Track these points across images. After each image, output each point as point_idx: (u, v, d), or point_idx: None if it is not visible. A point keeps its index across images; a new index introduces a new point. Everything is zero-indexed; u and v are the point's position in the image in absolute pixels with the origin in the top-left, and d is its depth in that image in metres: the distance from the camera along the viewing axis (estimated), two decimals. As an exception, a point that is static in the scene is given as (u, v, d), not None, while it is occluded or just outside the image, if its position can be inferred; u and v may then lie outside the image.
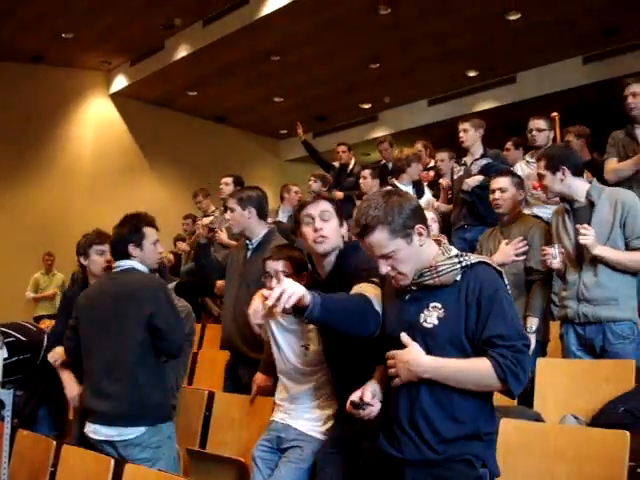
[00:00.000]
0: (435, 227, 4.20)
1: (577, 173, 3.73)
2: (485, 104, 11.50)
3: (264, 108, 13.12)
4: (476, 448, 2.17)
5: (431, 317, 2.22)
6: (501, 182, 4.18)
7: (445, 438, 2.16)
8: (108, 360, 3.26)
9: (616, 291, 3.55)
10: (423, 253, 2.26)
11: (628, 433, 2.43)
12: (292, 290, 2.12)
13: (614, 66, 9.50)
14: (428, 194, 6.50)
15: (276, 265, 3.14)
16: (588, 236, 3.49)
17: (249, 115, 13.59)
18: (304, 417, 3.07)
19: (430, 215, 4.14)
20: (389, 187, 5.22)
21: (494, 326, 2.12)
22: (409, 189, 5.91)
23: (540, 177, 3.77)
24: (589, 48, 10.07)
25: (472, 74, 11.28)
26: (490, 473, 2.20)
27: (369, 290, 2.41)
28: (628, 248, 3.56)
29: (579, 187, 3.71)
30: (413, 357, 2.19)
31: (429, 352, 2.20)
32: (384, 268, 2.23)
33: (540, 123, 5.36)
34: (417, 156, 6.36)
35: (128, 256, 3.41)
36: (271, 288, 2.82)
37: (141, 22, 10.41)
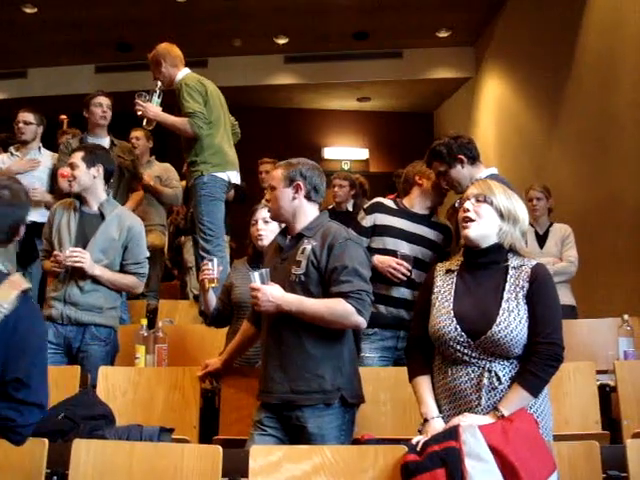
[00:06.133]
0: None
1: (107, 179, 3.89)
2: (-6, 94, 10.85)
3: None
4: None
5: None
6: None
7: None
8: None
9: (102, 301, 3.77)
10: None
11: (47, 440, 2.46)
12: None
13: (125, 80, 9.83)
14: None
15: None
16: (84, 259, 3.62)
17: None
18: None
19: None
20: None
21: None
22: None
23: (73, 166, 3.78)
24: (102, 59, 10.32)
25: (-20, 62, 10.54)
26: None
27: None
28: (123, 269, 3.80)
29: (100, 194, 3.83)
30: None
31: None
32: None
33: (29, 117, 5.33)
34: None
35: None
36: None
37: None
